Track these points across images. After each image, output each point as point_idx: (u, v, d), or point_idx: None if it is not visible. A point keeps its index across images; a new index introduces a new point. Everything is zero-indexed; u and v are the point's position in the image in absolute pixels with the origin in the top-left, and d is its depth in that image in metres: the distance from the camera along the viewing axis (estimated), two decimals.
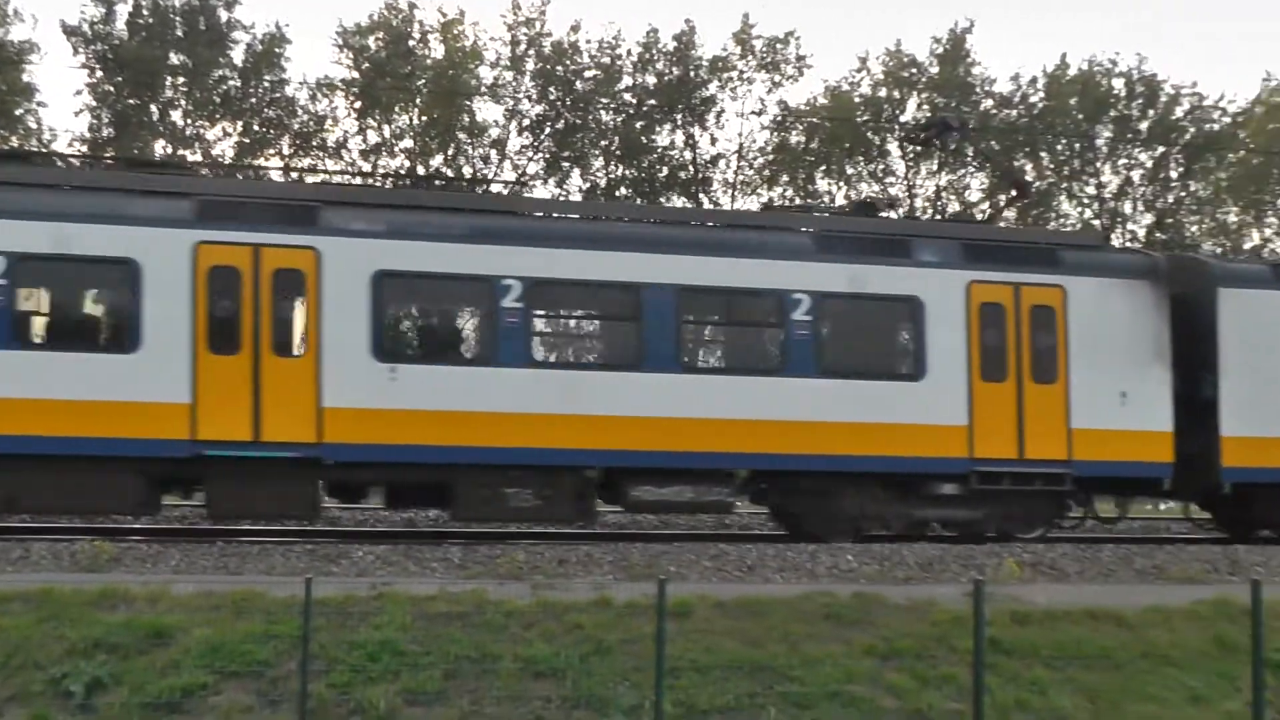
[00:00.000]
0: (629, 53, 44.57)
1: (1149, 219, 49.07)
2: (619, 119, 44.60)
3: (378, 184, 36.41)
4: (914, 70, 46.37)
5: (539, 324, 17.31)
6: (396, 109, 42.90)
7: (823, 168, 46.59)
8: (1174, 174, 49.36)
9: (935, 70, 46.34)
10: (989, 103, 47.10)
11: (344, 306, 16.37)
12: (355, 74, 42.53)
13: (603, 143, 45.03)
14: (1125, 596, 13.68)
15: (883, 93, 46.60)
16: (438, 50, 43.27)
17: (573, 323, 18.80)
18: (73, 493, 16.03)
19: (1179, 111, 48.43)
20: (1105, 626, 12.53)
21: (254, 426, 16.07)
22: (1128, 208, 48.61)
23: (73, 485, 15.84)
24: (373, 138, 42.97)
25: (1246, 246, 48.38)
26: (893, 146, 46.86)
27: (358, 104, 42.46)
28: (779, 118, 45.89)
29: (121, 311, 16.23)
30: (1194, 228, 49.64)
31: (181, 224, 16.07)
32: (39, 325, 16.31)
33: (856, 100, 46.56)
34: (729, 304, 18.14)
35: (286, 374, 16.21)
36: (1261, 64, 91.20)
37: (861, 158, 46.66)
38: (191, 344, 15.91)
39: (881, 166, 46.94)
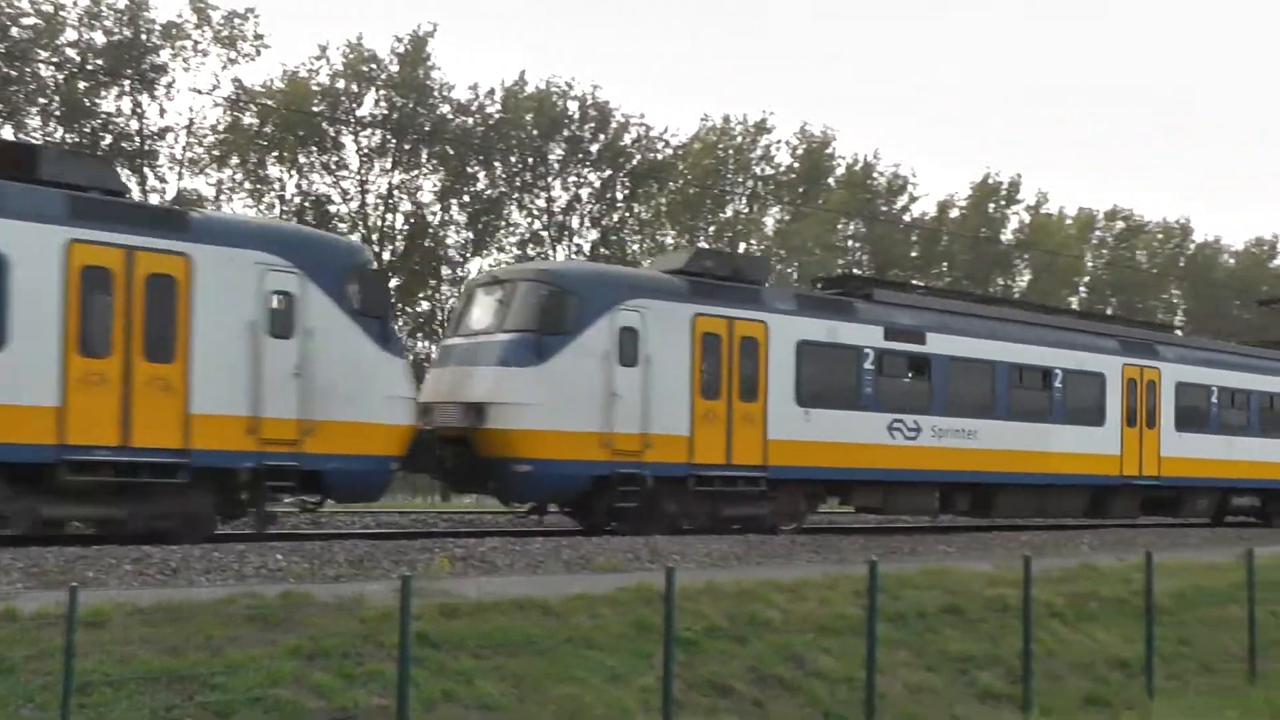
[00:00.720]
0: (74, 4, 41.56)
1: (595, 234, 52.09)
2: (61, 76, 41.40)
3: None
4: (374, 66, 46.41)
5: None
6: None
7: (275, 153, 45.62)
8: (619, 195, 52.76)
9: (395, 69, 46.65)
10: (446, 108, 48.04)
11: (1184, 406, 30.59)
12: None
13: (41, 100, 41.64)
14: (554, 587, 14.24)
15: (341, 84, 46.31)
16: None
17: None
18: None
19: (627, 139, 51.85)
20: (533, 615, 12.95)
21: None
22: (575, 222, 51.32)
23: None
24: None
25: None
26: (348, 139, 46.69)
27: None
28: (233, 96, 44.52)
29: (1094, 400, 28.72)
30: (635, 246, 53.28)
31: (1111, 352, 29.09)
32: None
33: (314, 88, 45.96)
34: None
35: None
36: (700, 105, 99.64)
37: (315, 147, 46.14)
38: (1121, 421, 29.06)
39: (335, 159, 46.65)
